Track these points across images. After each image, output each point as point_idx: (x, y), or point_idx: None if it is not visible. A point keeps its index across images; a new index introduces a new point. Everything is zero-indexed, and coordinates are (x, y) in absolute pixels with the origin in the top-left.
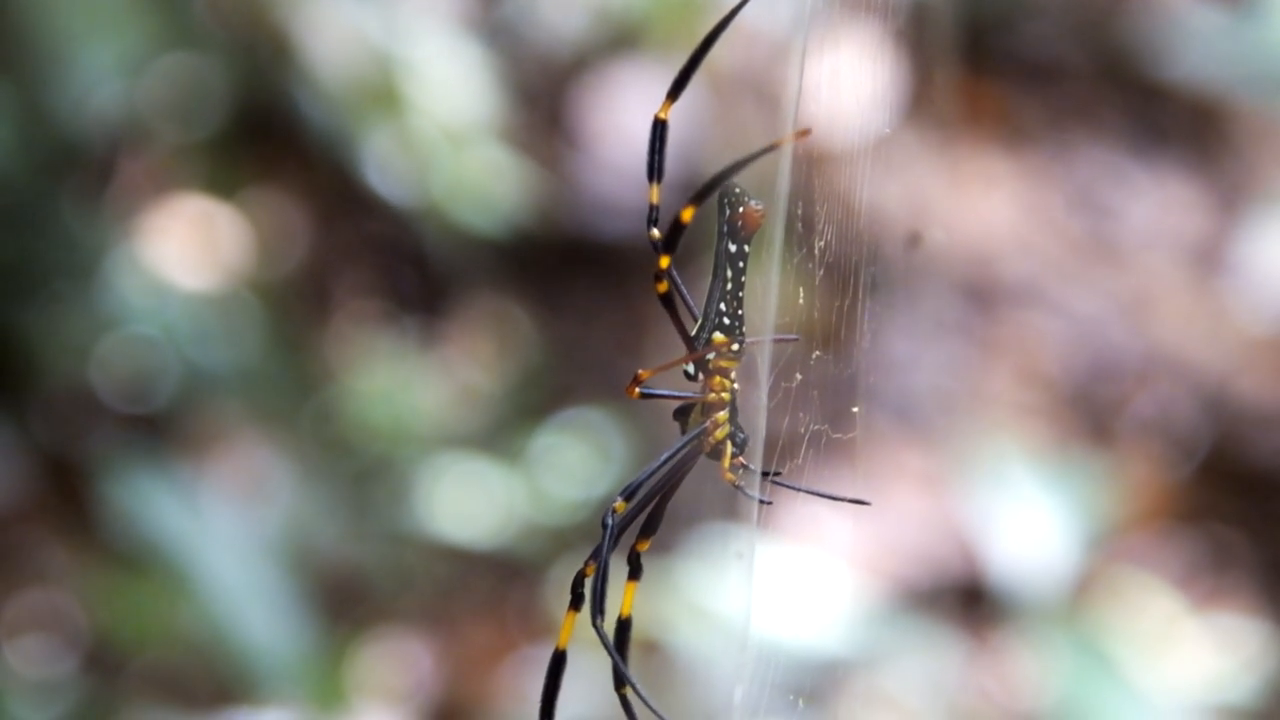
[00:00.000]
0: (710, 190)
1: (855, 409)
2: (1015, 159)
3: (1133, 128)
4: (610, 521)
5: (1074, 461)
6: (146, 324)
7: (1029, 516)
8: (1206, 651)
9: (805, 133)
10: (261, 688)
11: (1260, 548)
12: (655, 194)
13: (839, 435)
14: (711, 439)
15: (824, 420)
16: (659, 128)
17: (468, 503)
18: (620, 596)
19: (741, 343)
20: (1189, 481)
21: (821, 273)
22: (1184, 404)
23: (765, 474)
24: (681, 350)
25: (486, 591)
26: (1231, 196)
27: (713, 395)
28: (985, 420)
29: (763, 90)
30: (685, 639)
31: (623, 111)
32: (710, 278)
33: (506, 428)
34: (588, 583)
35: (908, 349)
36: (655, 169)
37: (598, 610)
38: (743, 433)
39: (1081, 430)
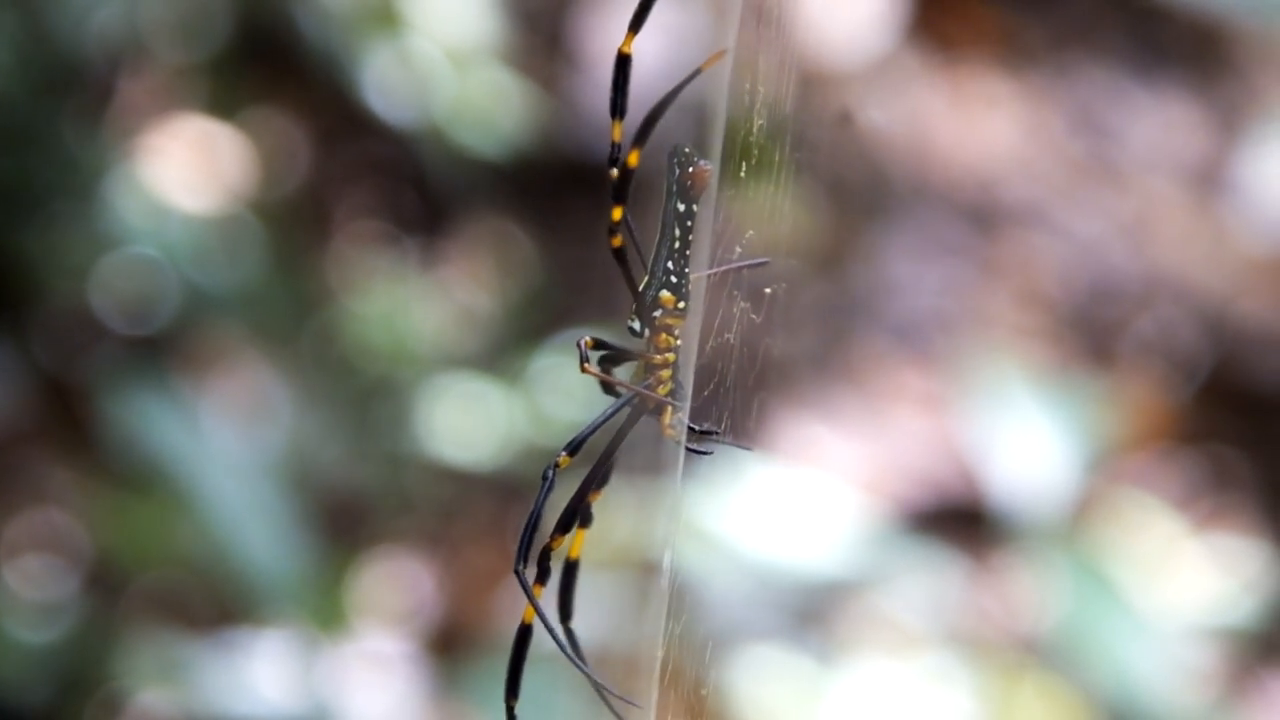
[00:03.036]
0: (649, 128)
1: (768, 290)
2: (1016, 80)
3: (1134, 48)
4: (551, 475)
5: (1074, 383)
6: (147, 244)
7: (1029, 438)
8: (1206, 573)
9: (721, 54)
10: (262, 608)
11: (1261, 469)
12: (618, 131)
13: (754, 317)
14: (657, 393)
15: (746, 299)
16: (622, 62)
17: (468, 424)
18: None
19: (687, 301)
20: (1189, 402)
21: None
22: (1184, 325)
23: (706, 432)
24: (628, 303)
25: (486, 513)
26: (1232, 117)
27: (658, 356)
28: (986, 341)
29: (768, 9)
30: (684, 561)
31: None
32: (658, 236)
33: (506, 349)
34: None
35: (909, 270)
36: (618, 105)
37: (521, 558)
38: (684, 389)
39: (1082, 351)
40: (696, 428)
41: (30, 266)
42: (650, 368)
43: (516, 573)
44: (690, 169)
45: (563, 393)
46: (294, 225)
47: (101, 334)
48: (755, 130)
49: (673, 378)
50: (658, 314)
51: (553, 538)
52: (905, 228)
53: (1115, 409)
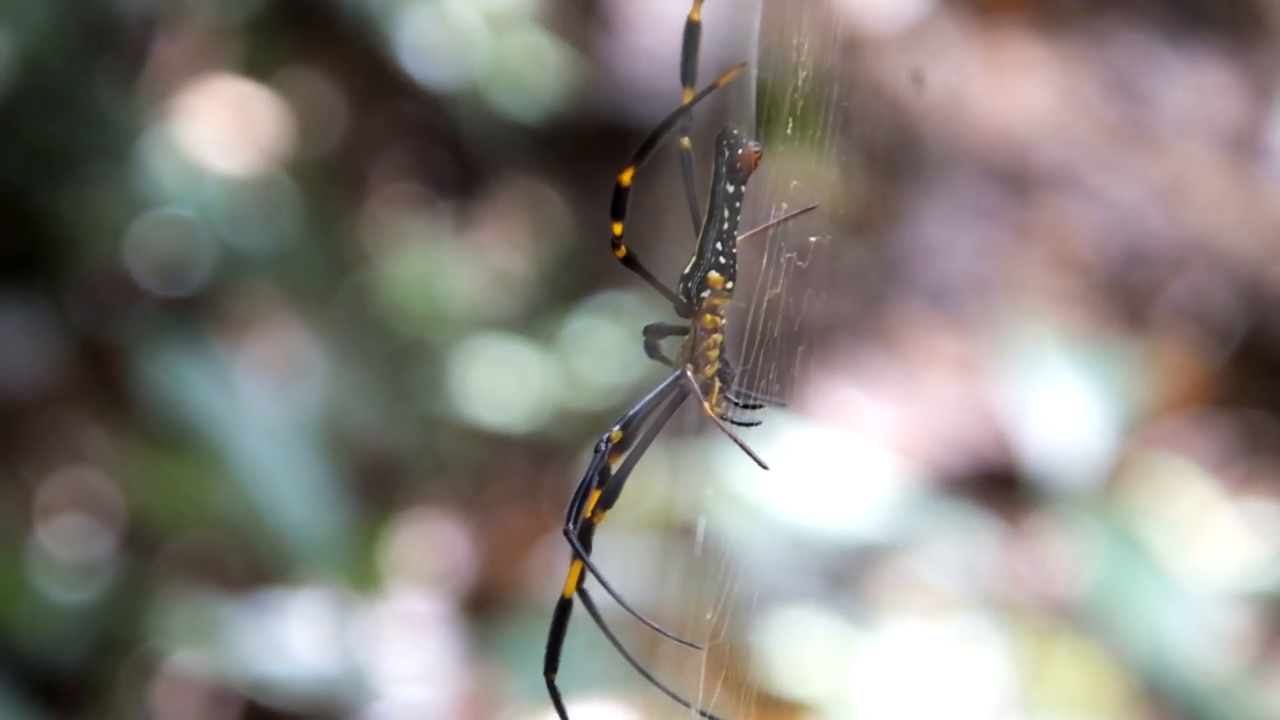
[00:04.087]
0: (649, 149)
1: (813, 239)
2: (1052, 45)
3: (1169, 13)
4: (605, 448)
5: (1109, 347)
6: (182, 205)
7: (1063, 402)
8: (1240, 537)
9: (741, 68)
10: (296, 569)
11: None
12: (688, 98)
13: (801, 264)
14: (701, 375)
15: (792, 250)
16: (691, 30)
17: (502, 386)
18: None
19: (734, 281)
20: (1224, 367)
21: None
22: (1219, 289)
23: (750, 405)
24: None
25: (520, 474)
26: (1267, 82)
27: (705, 336)
28: (1020, 305)
29: None
30: (717, 523)
31: None
32: (706, 217)
33: (540, 311)
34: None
35: (943, 234)
36: (688, 73)
37: (571, 519)
38: (730, 369)
39: (1117, 316)
40: (740, 403)
41: (66, 227)
42: (697, 345)
43: (566, 533)
44: (739, 150)
45: (596, 355)
46: (329, 187)
47: (137, 295)
48: (801, 83)
49: (720, 357)
50: (705, 294)
51: (594, 513)
52: (940, 192)
53: (1149, 373)
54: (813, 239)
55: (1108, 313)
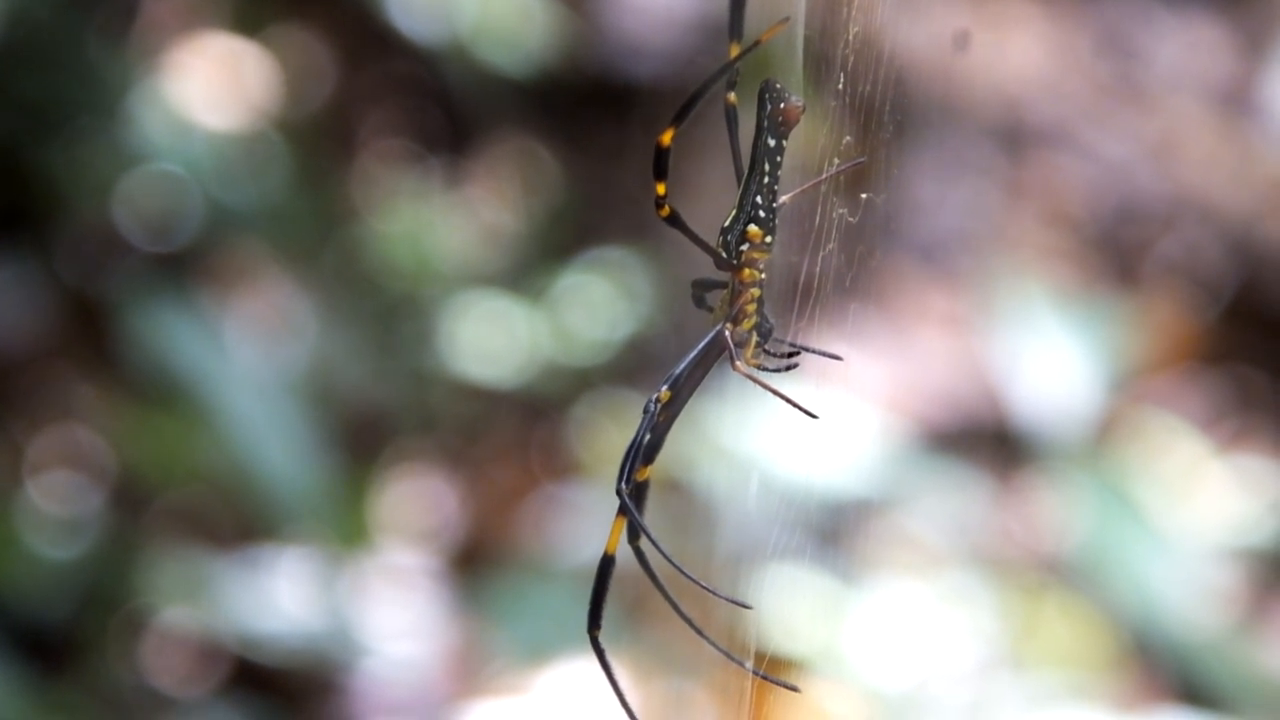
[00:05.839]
0: (690, 109)
1: (864, 195)
2: (1044, 1)
3: None
4: (654, 408)
5: (1099, 303)
6: (171, 161)
7: (1054, 358)
8: (1230, 494)
9: (785, 22)
10: (284, 525)
11: None
12: (735, 51)
13: (851, 220)
14: (740, 329)
15: (843, 207)
16: None
17: (491, 342)
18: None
19: (774, 235)
20: (1214, 324)
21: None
22: (1210, 246)
23: (788, 354)
24: (713, 236)
25: (510, 431)
26: (1259, 38)
27: (743, 290)
28: (1011, 262)
29: None
30: (707, 478)
31: None
32: (747, 170)
33: (531, 267)
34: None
35: (934, 190)
36: (735, 27)
37: (624, 478)
38: (769, 323)
39: (1107, 272)
40: (777, 353)
41: (54, 182)
42: (735, 301)
43: (619, 493)
44: (782, 104)
45: (587, 310)
46: (318, 143)
47: (125, 250)
48: (852, 39)
49: (758, 311)
50: (745, 247)
51: (637, 469)
52: (931, 148)
53: (1140, 330)
54: (864, 195)
55: (1098, 269)
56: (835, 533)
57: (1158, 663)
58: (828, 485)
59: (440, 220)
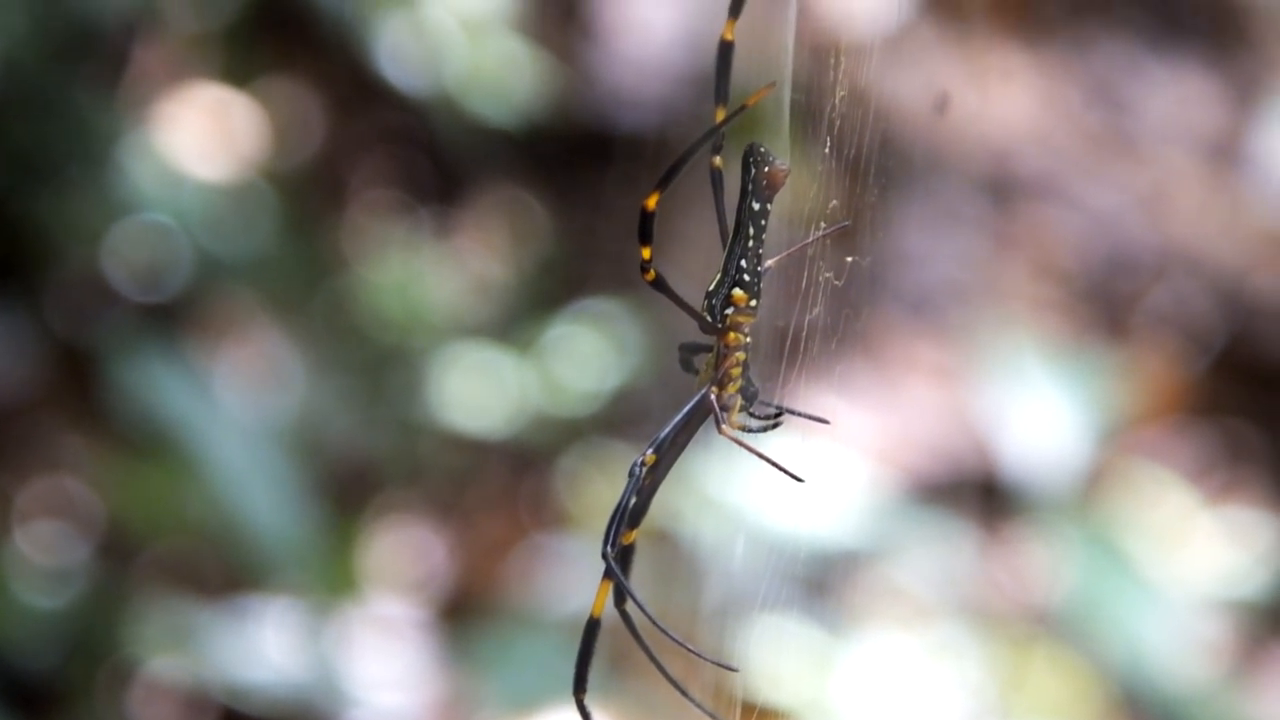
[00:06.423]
0: (675, 173)
1: (850, 259)
2: (1033, 52)
3: (1150, 21)
4: (639, 471)
5: (1089, 355)
6: (160, 211)
7: (1043, 410)
8: (1219, 546)
9: (770, 87)
10: (272, 575)
11: (1274, 442)
12: (721, 116)
13: (838, 282)
14: (725, 392)
15: (829, 270)
16: (724, 49)
17: (480, 393)
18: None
19: (759, 299)
20: (1203, 376)
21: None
22: (1199, 298)
23: (771, 417)
24: (697, 300)
25: (498, 481)
26: (1248, 91)
27: (728, 354)
28: (1000, 313)
29: None
30: (694, 529)
31: (638, 4)
32: (731, 234)
33: (520, 318)
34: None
35: (923, 242)
36: (720, 92)
37: (609, 541)
38: (754, 386)
39: (1097, 324)
40: (760, 415)
41: (43, 232)
42: (720, 362)
43: (604, 556)
44: (766, 168)
45: (575, 362)
46: (308, 193)
47: (114, 300)
48: (839, 102)
49: (743, 375)
50: (729, 311)
51: (622, 532)
52: (920, 199)
53: (1129, 381)
54: (849, 259)
55: (1088, 321)
56: (823, 584)
57: (1146, 715)
58: (815, 536)
59: (429, 271)
